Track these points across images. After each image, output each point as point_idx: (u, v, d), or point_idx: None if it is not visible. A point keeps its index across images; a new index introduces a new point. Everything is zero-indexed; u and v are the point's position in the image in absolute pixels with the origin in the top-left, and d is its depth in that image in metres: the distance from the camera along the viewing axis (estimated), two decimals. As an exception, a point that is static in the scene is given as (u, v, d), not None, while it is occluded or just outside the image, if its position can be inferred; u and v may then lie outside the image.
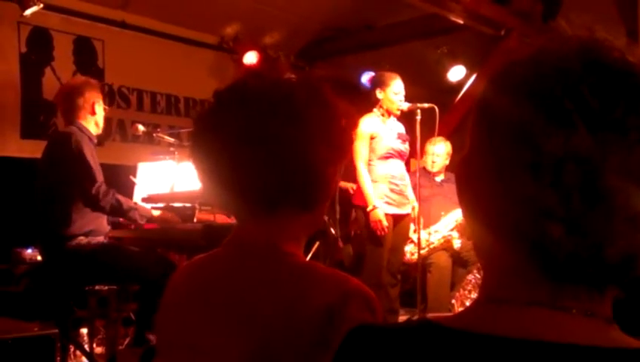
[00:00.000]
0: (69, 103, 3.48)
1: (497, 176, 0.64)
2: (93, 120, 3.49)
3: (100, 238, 3.38)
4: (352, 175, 4.19)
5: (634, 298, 0.63)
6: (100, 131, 3.59)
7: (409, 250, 4.61)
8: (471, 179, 0.68)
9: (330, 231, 4.39)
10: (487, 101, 0.68)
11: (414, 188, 4.32)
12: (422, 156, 4.62)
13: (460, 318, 0.67)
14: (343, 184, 4.13)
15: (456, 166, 0.72)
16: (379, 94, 4.20)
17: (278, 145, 1.05)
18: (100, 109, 3.53)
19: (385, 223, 4.01)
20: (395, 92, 4.17)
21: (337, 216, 4.11)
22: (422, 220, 4.47)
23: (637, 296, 0.63)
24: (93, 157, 3.37)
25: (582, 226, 0.59)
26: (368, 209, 4.04)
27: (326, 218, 3.90)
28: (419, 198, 4.32)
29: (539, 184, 0.60)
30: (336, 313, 0.96)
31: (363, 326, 0.72)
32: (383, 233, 4.01)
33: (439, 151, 4.98)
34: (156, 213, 3.44)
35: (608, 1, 5.18)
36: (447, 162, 5.06)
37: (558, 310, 0.63)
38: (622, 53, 0.63)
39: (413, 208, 4.32)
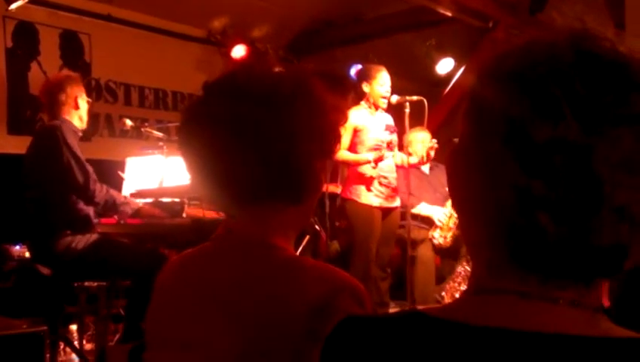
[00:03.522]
0: (52, 99, 3.45)
1: (487, 165, 0.64)
2: (77, 114, 3.47)
3: (90, 235, 3.34)
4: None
5: (629, 290, 0.63)
6: (84, 126, 3.55)
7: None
8: (461, 168, 0.68)
9: (315, 228, 4.38)
10: (477, 90, 0.68)
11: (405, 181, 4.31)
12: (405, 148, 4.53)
13: (448, 309, 0.68)
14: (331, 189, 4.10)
15: (447, 156, 0.72)
16: (365, 87, 4.20)
17: (265, 138, 1.05)
18: (84, 103, 3.50)
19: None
20: (380, 84, 4.16)
21: (327, 211, 4.10)
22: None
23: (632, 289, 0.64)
24: (80, 151, 3.35)
25: (569, 214, 0.59)
26: (373, 158, 4.01)
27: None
28: (408, 191, 4.31)
29: (527, 172, 0.60)
30: (326, 306, 0.95)
31: (351, 317, 0.72)
32: (379, 157, 3.98)
33: (426, 138, 4.84)
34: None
35: (596, -7, 5.20)
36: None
37: (546, 301, 0.63)
38: (612, 43, 0.63)
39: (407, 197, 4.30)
